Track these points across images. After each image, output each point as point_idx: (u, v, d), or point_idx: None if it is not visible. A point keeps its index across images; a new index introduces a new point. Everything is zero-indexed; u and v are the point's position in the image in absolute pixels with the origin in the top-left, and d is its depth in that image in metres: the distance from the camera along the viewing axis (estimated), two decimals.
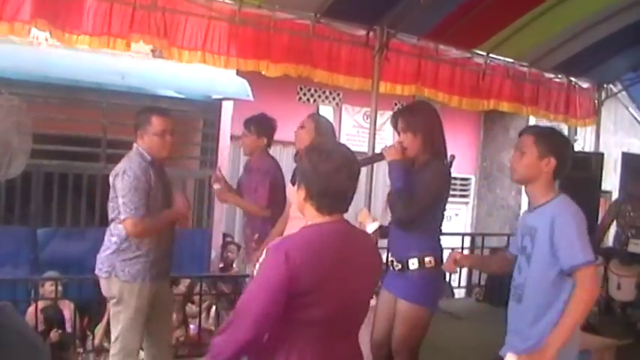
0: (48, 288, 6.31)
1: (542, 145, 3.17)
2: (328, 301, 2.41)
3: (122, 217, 4.04)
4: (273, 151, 5.89)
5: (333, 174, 2.44)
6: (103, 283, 4.23)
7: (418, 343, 3.86)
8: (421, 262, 3.74)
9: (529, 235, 3.20)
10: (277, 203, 5.15)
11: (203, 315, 6.67)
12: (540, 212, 3.18)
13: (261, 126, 5.39)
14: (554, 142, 3.21)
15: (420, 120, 3.87)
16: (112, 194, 4.15)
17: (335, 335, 2.49)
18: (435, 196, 3.77)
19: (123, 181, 4.04)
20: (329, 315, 2.43)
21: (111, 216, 4.18)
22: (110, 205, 4.18)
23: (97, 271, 4.21)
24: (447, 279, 5.71)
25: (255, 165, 5.37)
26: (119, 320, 4.15)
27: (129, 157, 4.19)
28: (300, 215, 2.63)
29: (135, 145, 4.24)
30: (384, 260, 3.80)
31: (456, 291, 8.63)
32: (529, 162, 3.19)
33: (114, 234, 4.14)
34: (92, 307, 6.46)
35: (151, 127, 4.16)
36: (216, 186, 5.33)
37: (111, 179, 4.13)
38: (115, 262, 4.11)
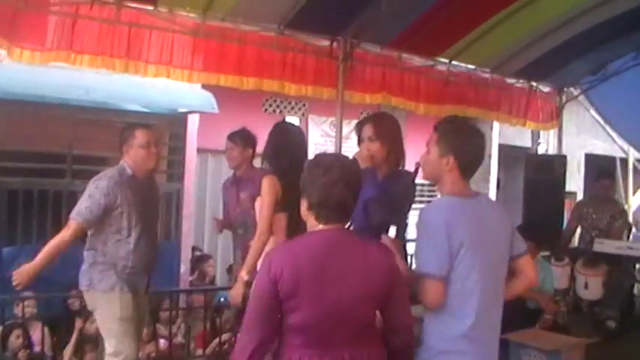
0: (18, 309, 6.16)
1: (442, 143, 3.01)
2: (308, 307, 2.51)
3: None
4: None
5: (330, 187, 2.60)
6: (85, 297, 4.35)
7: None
8: None
9: None
10: None
11: (174, 329, 6.63)
12: None
13: (246, 138, 5.39)
14: (454, 141, 3.00)
15: (387, 129, 3.92)
16: None
17: (328, 343, 2.56)
18: (411, 204, 3.82)
19: (88, 188, 4.16)
20: (311, 321, 2.52)
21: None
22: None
23: (80, 286, 4.33)
24: None
25: (246, 176, 5.30)
26: (109, 331, 4.24)
27: (110, 169, 4.33)
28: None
29: (121, 161, 4.33)
30: None
31: None
32: (431, 161, 3.05)
33: (89, 248, 4.24)
34: (61, 325, 6.39)
35: (136, 140, 4.25)
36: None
37: None
38: (92, 275, 4.22)
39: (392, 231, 3.82)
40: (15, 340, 5.82)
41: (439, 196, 3.15)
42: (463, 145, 3.00)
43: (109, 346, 4.24)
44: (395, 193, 3.77)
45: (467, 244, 2.82)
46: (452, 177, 3.00)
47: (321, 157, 2.78)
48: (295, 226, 4.20)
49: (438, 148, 3.01)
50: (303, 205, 2.70)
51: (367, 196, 3.84)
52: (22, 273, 4.22)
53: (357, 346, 2.62)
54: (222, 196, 5.52)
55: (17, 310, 6.22)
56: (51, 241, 4.19)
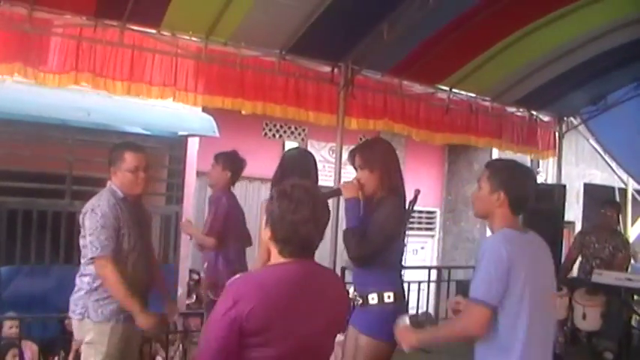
0: (7, 330, 6.12)
1: (494, 179, 3.14)
2: (280, 341, 2.41)
3: (89, 256, 3.94)
4: (239, 186, 5.91)
5: (299, 225, 2.45)
6: (75, 325, 4.11)
7: None
8: (380, 298, 3.73)
9: None
10: (230, 236, 5.33)
11: (170, 352, 6.59)
12: None
13: (228, 160, 5.47)
14: (504, 177, 3.14)
15: (376, 157, 3.88)
16: (82, 233, 4.04)
17: None
18: (388, 235, 3.74)
19: (91, 220, 3.95)
20: (283, 355, 2.43)
21: (81, 256, 4.07)
22: (80, 244, 4.07)
23: (70, 313, 4.08)
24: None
25: (213, 196, 5.46)
26: None
27: (100, 194, 4.10)
28: None
29: (109, 182, 4.16)
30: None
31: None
32: (482, 196, 3.17)
33: (85, 274, 4.02)
34: (57, 346, 6.36)
35: (124, 163, 4.08)
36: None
37: (80, 218, 4.05)
38: (88, 303, 3.98)
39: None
40: (12, 359, 5.77)
41: (493, 232, 3.20)
42: (514, 181, 3.14)
43: None
44: (375, 220, 3.73)
45: (524, 280, 2.93)
46: (502, 212, 3.12)
47: (292, 188, 2.54)
48: None
49: (489, 184, 3.14)
50: (266, 234, 2.55)
51: (344, 228, 3.85)
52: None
53: None
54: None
55: (5, 330, 6.17)
56: (116, 292, 3.91)
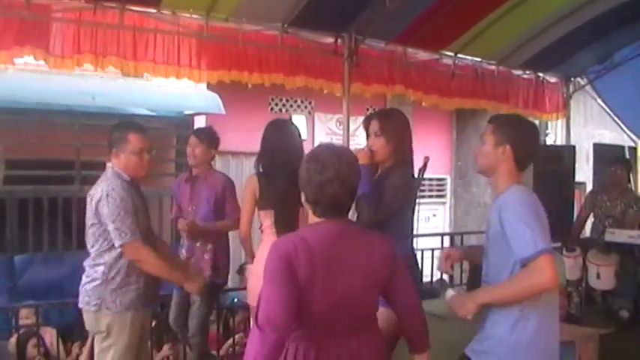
0: (25, 318, 6.08)
1: (498, 132, 3.05)
2: (321, 297, 2.51)
3: (118, 243, 3.79)
4: (246, 162, 5.87)
5: (325, 186, 2.56)
6: (89, 317, 3.94)
7: (392, 349, 3.85)
8: None
9: (487, 227, 3.12)
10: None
11: None
12: (494, 204, 3.04)
13: (213, 138, 5.43)
14: (509, 129, 3.05)
15: (394, 126, 3.86)
16: (91, 221, 3.87)
17: (333, 333, 2.59)
18: (401, 202, 3.75)
19: (109, 206, 3.77)
20: (321, 311, 2.53)
21: (93, 245, 3.91)
22: (90, 232, 3.90)
23: (83, 305, 3.93)
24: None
25: (202, 176, 5.38)
26: (108, 356, 3.89)
27: (107, 178, 3.92)
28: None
29: (108, 164, 3.99)
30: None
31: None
32: (486, 151, 3.08)
33: (100, 263, 3.87)
34: (75, 332, 6.41)
35: (129, 145, 3.93)
36: (182, 227, 5.32)
37: (91, 204, 3.85)
38: (105, 294, 3.85)
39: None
40: (32, 349, 5.79)
41: (498, 189, 3.08)
42: (519, 134, 3.05)
43: None
44: (387, 189, 3.72)
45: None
46: (508, 167, 3.03)
47: (318, 151, 2.69)
48: (286, 223, 4.23)
49: (493, 137, 3.05)
50: (303, 196, 2.68)
51: (357, 195, 3.83)
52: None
53: (359, 336, 2.65)
54: (174, 192, 5.64)
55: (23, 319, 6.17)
56: (159, 273, 3.92)
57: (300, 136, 4.68)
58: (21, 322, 6.05)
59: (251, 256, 4.77)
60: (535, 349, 2.92)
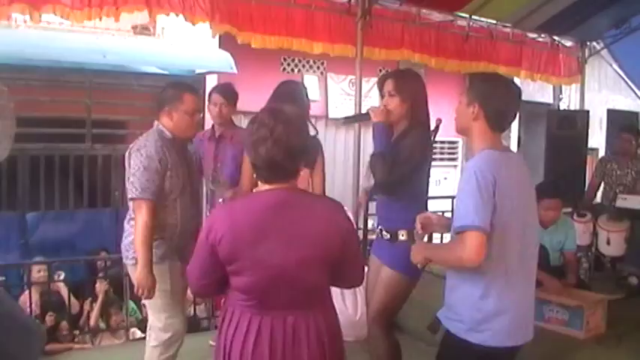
0: (36, 274, 6.21)
1: (470, 91, 2.89)
2: (249, 271, 2.43)
3: (128, 197, 3.81)
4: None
5: (258, 145, 2.43)
6: (131, 270, 3.93)
7: (396, 312, 3.86)
8: (410, 235, 3.67)
9: None
10: None
11: None
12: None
13: (235, 96, 5.34)
14: (481, 88, 2.89)
15: (409, 86, 3.81)
16: (127, 174, 3.88)
17: (270, 306, 2.49)
18: (417, 163, 3.69)
19: (135, 159, 3.79)
20: (252, 286, 2.46)
21: (129, 200, 3.91)
22: (127, 186, 3.89)
23: (124, 260, 3.98)
24: None
25: (227, 134, 5.29)
26: (159, 305, 3.90)
27: (147, 133, 3.92)
28: None
29: (155, 122, 3.97)
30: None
31: None
32: (459, 110, 2.93)
33: (134, 218, 3.84)
34: (86, 288, 6.47)
35: (183, 105, 3.90)
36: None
37: (126, 157, 3.87)
38: None
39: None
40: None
41: (473, 151, 2.92)
42: (491, 94, 2.85)
43: (157, 320, 3.92)
44: (402, 149, 3.68)
45: (511, 204, 2.71)
46: (479, 128, 2.87)
47: (261, 111, 2.55)
48: None
49: (466, 96, 2.90)
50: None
51: (372, 152, 3.80)
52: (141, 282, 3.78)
53: (301, 310, 2.52)
54: (197, 149, 5.36)
55: (34, 275, 6.24)
56: (139, 235, 3.73)
57: (307, 97, 4.61)
58: (34, 276, 6.15)
59: None
60: (499, 323, 2.78)
